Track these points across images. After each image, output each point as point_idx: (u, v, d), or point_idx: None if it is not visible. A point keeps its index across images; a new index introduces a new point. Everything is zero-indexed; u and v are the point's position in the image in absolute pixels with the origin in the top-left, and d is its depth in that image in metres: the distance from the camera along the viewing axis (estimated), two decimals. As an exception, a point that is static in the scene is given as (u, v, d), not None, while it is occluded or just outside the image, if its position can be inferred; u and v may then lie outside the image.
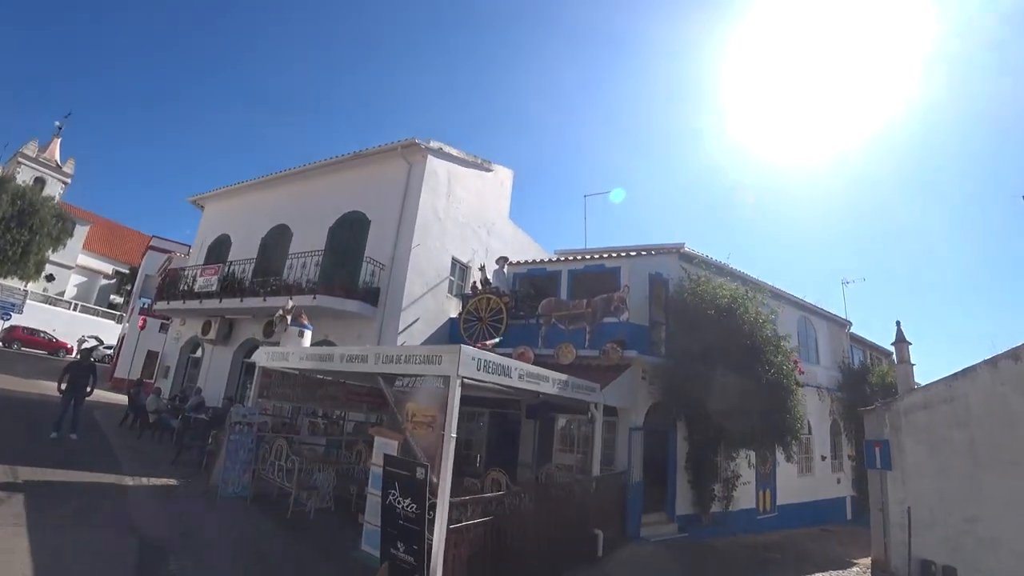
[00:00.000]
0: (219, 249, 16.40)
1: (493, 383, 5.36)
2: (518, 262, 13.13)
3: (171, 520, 6.32)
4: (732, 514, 11.15)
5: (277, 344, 9.32)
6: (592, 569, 6.96)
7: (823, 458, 15.00)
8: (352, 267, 12.00)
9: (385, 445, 5.39)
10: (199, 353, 15.85)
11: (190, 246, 19.66)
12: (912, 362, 11.51)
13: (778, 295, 13.46)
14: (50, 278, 36.65)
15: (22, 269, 30.96)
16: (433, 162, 12.57)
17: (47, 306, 31.78)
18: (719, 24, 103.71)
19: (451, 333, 12.38)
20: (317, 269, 12.05)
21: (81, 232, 38.79)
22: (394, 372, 5.47)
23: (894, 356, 21.45)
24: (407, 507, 4.59)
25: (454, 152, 13.35)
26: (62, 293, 36.94)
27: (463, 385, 4.80)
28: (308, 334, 8.54)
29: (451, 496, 4.70)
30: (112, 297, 42.19)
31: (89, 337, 30.33)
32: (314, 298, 10.83)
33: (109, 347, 28.67)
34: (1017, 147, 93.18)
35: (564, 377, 6.87)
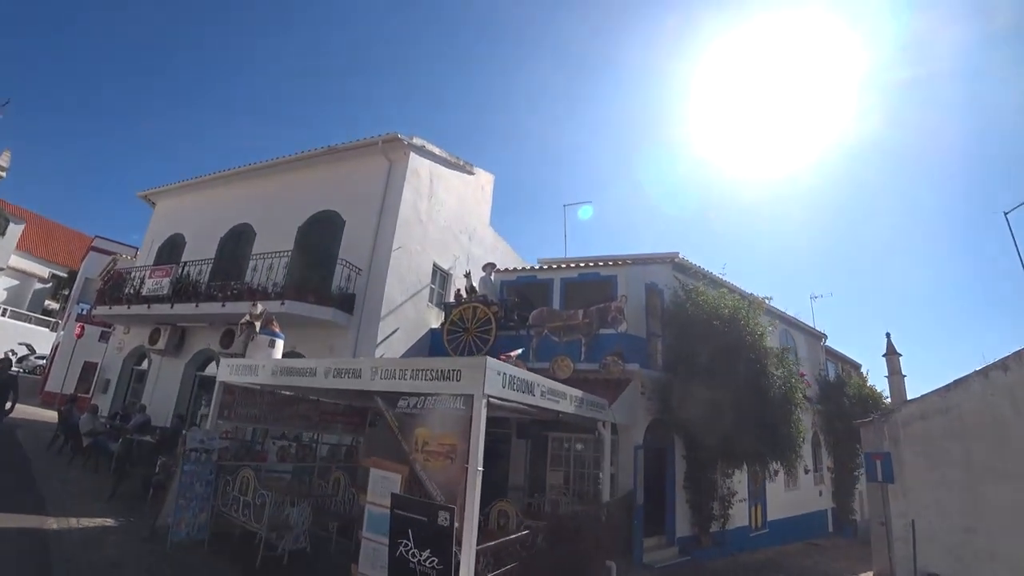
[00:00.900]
0: (171, 250, 14.92)
1: (517, 402, 4.58)
2: (506, 269, 12.39)
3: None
4: (728, 533, 10.77)
5: (237, 355, 8.18)
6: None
7: (806, 471, 14.88)
8: (324, 271, 10.94)
9: (384, 479, 4.46)
10: (145, 365, 14.23)
11: (138, 248, 17.88)
12: (903, 373, 11.46)
13: (767, 309, 13.28)
14: (-24, 281, 33.15)
15: (-58, 270, 27.78)
16: (415, 160, 11.72)
17: (-29, 312, 28.66)
18: (687, 50, 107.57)
19: (432, 345, 11.50)
20: (284, 272, 10.91)
21: (14, 231, 35.41)
22: (398, 391, 4.58)
23: (863, 369, 22.21)
24: (425, 561, 3.70)
25: (436, 151, 12.53)
26: (-10, 297, 33.44)
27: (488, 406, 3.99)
28: (280, 343, 7.49)
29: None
30: (47, 303, 38.60)
31: (21, 345, 27.37)
32: (282, 304, 9.71)
33: (41, 357, 25.98)
34: (984, 160, 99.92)
35: (580, 394, 6.16)
